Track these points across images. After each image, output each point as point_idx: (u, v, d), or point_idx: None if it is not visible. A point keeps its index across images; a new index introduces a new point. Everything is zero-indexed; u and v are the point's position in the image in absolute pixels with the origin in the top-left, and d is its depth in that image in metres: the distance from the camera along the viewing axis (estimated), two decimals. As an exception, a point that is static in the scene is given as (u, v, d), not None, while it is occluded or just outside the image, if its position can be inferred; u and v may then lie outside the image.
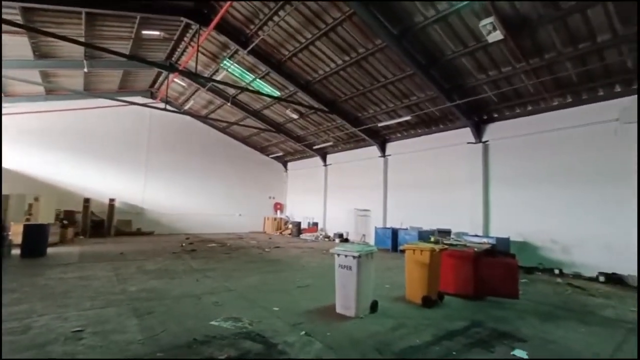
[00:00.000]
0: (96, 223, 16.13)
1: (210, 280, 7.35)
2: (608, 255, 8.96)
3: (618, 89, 9.15)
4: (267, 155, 23.89)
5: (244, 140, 22.64)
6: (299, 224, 20.36)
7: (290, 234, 20.27)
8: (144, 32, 11.60)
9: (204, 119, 20.23)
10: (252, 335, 4.24)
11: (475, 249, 6.82)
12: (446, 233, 11.47)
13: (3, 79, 12.51)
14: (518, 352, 4.03)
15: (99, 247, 12.35)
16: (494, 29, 7.68)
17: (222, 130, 21.75)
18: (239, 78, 14.39)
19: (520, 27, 8.07)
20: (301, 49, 11.20)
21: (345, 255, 5.26)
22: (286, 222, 22.53)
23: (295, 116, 16.32)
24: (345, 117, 15.00)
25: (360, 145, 17.84)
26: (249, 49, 11.54)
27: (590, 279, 8.92)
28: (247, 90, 13.76)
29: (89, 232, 15.53)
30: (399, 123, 14.29)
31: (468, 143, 12.55)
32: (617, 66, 8.56)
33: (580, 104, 9.90)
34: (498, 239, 10.16)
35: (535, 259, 10.26)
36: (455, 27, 8.66)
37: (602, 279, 8.69)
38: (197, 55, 11.58)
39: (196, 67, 11.92)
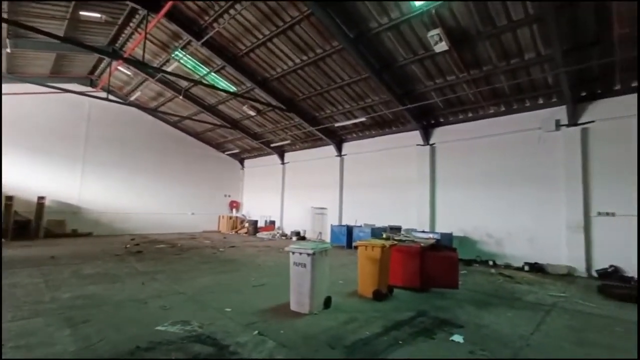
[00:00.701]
0: (21, 224, 14.36)
1: (158, 284, 6.98)
2: (531, 247, 10.15)
3: (541, 101, 10.35)
4: (223, 152, 23.15)
5: (198, 136, 21.69)
6: (255, 222, 20.05)
7: (246, 233, 19.88)
8: (82, 12, 10.58)
9: (152, 111, 19.00)
10: (202, 338, 4.13)
11: (422, 244, 7.24)
12: (397, 229, 12.05)
13: None
14: (456, 337, 4.39)
15: (25, 250, 11.02)
16: (440, 40, 8.24)
17: (174, 124, 20.62)
18: (192, 70, 13.76)
19: (462, 40, 8.75)
20: (259, 45, 11.02)
21: (300, 253, 5.32)
22: (242, 221, 22.05)
23: (252, 113, 16.01)
24: (303, 116, 15.06)
25: (317, 144, 18.02)
26: (203, 40, 11.08)
27: (518, 269, 9.98)
28: (201, 83, 13.21)
29: (10, 234, 13.78)
30: (354, 124, 14.69)
31: (417, 145, 13.32)
32: (540, 82, 9.66)
33: (511, 112, 11.01)
34: (442, 235, 10.95)
35: (473, 252, 11.23)
36: (407, 35, 9.12)
37: (526, 268, 9.79)
38: (144, 43, 10.85)
39: (143, 56, 11.15)
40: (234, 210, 23.28)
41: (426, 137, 13.08)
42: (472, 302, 6.18)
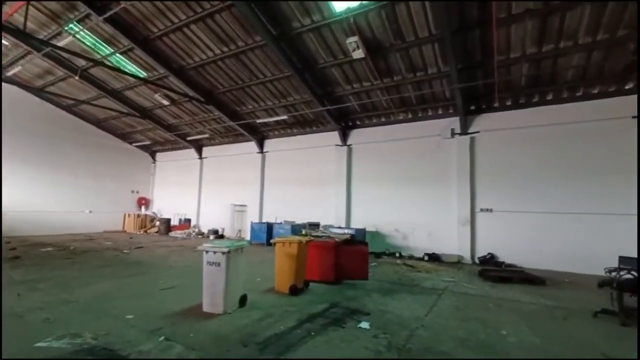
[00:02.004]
0: None
1: (40, 293, 5.95)
2: (430, 240, 11.60)
3: (440, 111, 11.88)
4: (130, 143, 20.72)
5: (99, 124, 18.98)
6: (168, 220, 18.48)
7: (157, 232, 18.19)
8: None
9: (38, 91, 15.93)
10: (96, 350, 3.69)
11: (337, 240, 7.64)
12: (315, 226, 12.46)
13: None
14: (363, 324, 4.73)
15: None
16: (358, 47, 8.79)
17: (68, 108, 17.65)
18: (91, 48, 11.98)
19: (377, 50, 9.49)
20: (174, 29, 10.17)
21: (214, 252, 5.12)
22: (153, 219, 20.10)
23: (166, 102, 14.69)
24: (223, 110, 14.43)
25: (238, 140, 17.46)
26: (106, 16, 9.73)
27: (419, 259, 11.24)
28: (104, 65, 11.61)
29: None
30: (276, 121, 14.66)
31: (336, 145, 13.99)
32: (440, 94, 11.08)
33: (416, 120, 12.37)
34: (357, 230, 11.72)
35: (383, 245, 12.29)
36: (327, 39, 9.48)
37: (426, 258, 11.13)
38: (27, 9, 9.07)
39: (25, 24, 9.32)
40: (142, 207, 21.07)
41: (344, 138, 13.82)
42: (379, 291, 6.74)
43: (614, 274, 5.46)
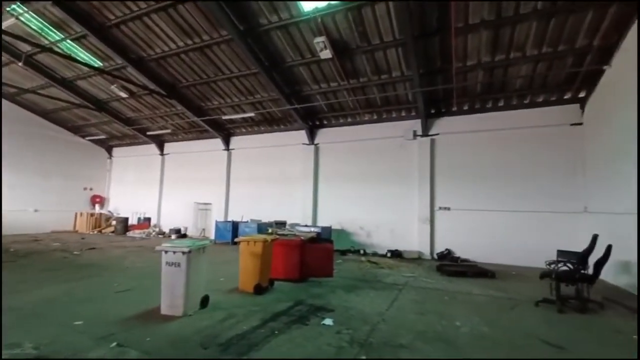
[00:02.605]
0: None
1: (-26, 301, 5.33)
2: (393, 237, 11.97)
3: (403, 113, 12.29)
4: (83, 137, 19.24)
5: (47, 115, 17.41)
6: (125, 220, 17.40)
7: (113, 232, 17.06)
8: None
9: (-26, 78, 14.28)
10: (38, 360, 3.37)
11: (302, 238, 7.64)
12: (282, 224, 12.36)
13: None
14: (327, 321, 4.74)
15: None
16: (325, 47, 8.83)
17: (10, 98, 15.99)
18: (37, 32, 10.94)
19: (344, 52, 9.59)
20: (132, 17, 9.57)
21: (174, 252, 4.89)
22: (109, 219, 18.82)
23: (124, 95, 13.79)
24: (187, 105, 13.84)
25: (203, 136, 16.84)
26: (55, -1, 8.96)
27: (382, 256, 11.56)
28: (52, 51, 10.66)
29: None
30: (243, 118, 14.34)
31: (303, 144, 13.97)
32: (403, 97, 11.45)
33: (381, 121, 12.69)
34: (323, 228, 11.80)
35: (349, 243, 12.49)
36: (295, 38, 9.42)
37: (389, 254, 11.47)
38: (-40, -14, 8.09)
39: (-42, 3, 8.31)
40: (97, 206, 19.68)
41: (311, 137, 13.84)
42: (343, 288, 6.80)
43: (553, 266, 5.94)
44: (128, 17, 9.54)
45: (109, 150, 20.65)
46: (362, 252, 11.99)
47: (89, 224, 18.01)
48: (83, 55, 11.79)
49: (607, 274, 7.00)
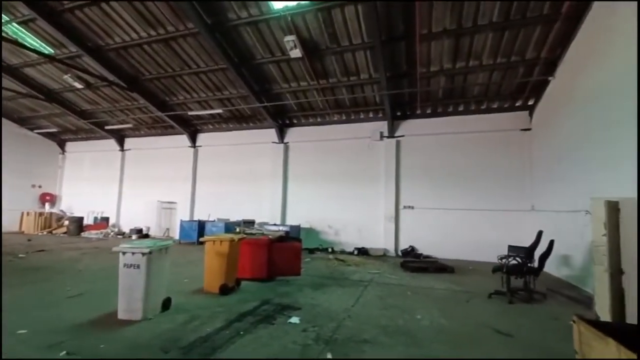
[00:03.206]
0: None
1: None
2: (360, 235, 12.20)
3: (371, 115, 12.55)
4: (32, 129, 17.61)
5: (-12, 105, 15.71)
6: (80, 219, 16.15)
7: (66, 233, 15.77)
8: None
9: None
10: (-28, 375, 3.01)
11: (270, 236, 7.52)
12: (250, 223, 12.14)
13: None
14: (293, 319, 4.71)
15: None
16: (295, 46, 8.76)
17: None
18: (-23, 14, 9.82)
19: (314, 52, 9.58)
20: (89, 3, 8.88)
21: (133, 253, 4.59)
22: (60, 218, 17.37)
23: (79, 85, 12.78)
24: (150, 99, 13.13)
25: (168, 132, 16.06)
26: (-1, -22, 8.09)
27: (350, 253, 11.74)
28: (-6, 35, 9.61)
29: None
30: (211, 115, 13.88)
31: (273, 142, 13.80)
32: (371, 99, 11.68)
33: (350, 122, 12.88)
34: (292, 227, 11.75)
35: (317, 241, 12.54)
36: (265, 35, 9.26)
37: (356, 252, 11.67)
38: None
39: None
40: (47, 205, 18.11)
41: (281, 135, 13.70)
42: (311, 286, 6.80)
43: (504, 260, 6.34)
44: (84, 2, 8.84)
45: (61, 144, 19.07)
46: (330, 250, 12.09)
47: (37, 224, 16.50)
48: (32, 40, 10.77)
49: (551, 267, 7.61)
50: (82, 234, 15.61)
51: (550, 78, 8.95)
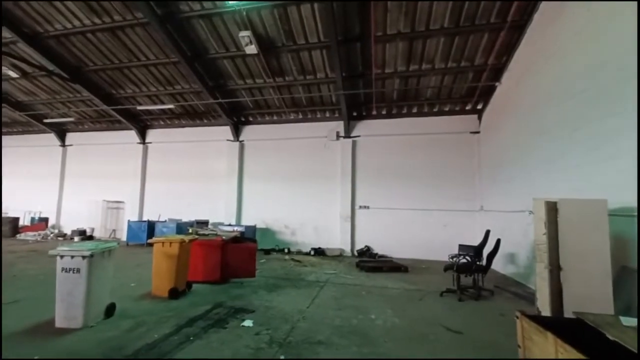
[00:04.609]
0: None
1: None
2: (316, 235, 12.53)
3: (328, 115, 12.90)
4: (-47, 120, 16.00)
5: None
6: (15, 220, 15.02)
7: (-3, 235, 14.59)
8: None
9: None
10: None
11: (224, 237, 7.51)
12: (204, 224, 12.04)
13: None
14: (246, 323, 4.78)
15: None
16: (251, 42, 8.86)
17: None
18: None
19: (269, 49, 9.73)
20: (22, -15, 8.35)
21: (72, 257, 4.51)
22: (-9, 220, 16.00)
23: (14, 74, 11.86)
24: (95, 91, 12.52)
25: (115, 127, 15.37)
26: None
27: (306, 254, 12.00)
28: None
29: None
30: (162, 110, 13.51)
31: (228, 140, 13.72)
32: (328, 99, 12.03)
33: (306, 121, 13.12)
34: (247, 227, 11.81)
35: (273, 241, 12.72)
36: (219, 29, 9.25)
37: (312, 252, 11.97)
38: None
39: None
40: (-28, 205, 16.57)
41: (237, 133, 13.66)
42: (265, 288, 6.89)
43: (454, 259, 6.74)
44: (16, -16, 8.30)
45: (-8, 138, 17.50)
46: (286, 250, 12.29)
47: (-40, 226, 15.09)
48: (-49, 22, 9.84)
49: (498, 265, 8.33)
50: (18, 235, 14.56)
51: (497, 84, 9.81)
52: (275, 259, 10.72)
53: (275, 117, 13.42)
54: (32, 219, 15.95)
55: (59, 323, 4.51)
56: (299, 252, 12.24)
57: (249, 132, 13.72)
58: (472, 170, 11.45)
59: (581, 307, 3.52)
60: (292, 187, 12.99)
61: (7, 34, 9.93)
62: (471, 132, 11.56)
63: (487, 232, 7.44)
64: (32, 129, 16.60)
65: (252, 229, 11.93)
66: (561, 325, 2.65)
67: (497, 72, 9.70)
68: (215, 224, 11.92)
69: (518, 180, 8.24)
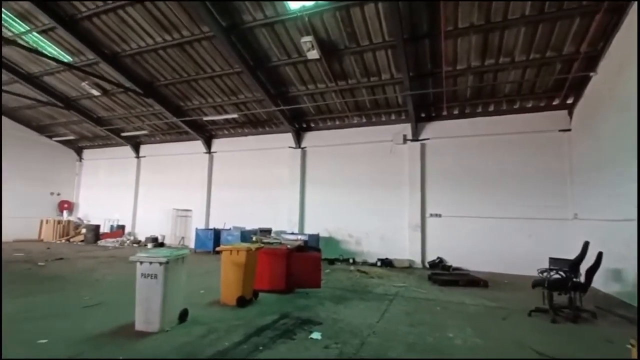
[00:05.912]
0: None
1: None
2: (383, 245, 12.03)
3: (393, 117, 12.44)
4: (50, 137, 18.59)
5: (11, 114, 16.73)
6: (96, 227, 16.82)
7: (83, 241, 16.45)
8: None
9: None
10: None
11: (288, 246, 7.52)
12: (267, 232, 12.24)
13: None
14: (315, 335, 4.66)
15: None
16: (313, 47, 8.85)
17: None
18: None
19: (331, 52, 9.65)
20: (106, 10, 9.33)
21: (150, 263, 4.71)
22: (78, 226, 18.15)
23: (96, 92, 13.41)
24: (165, 105, 13.59)
25: (182, 138, 16.55)
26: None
27: (372, 264, 11.59)
28: (17, 44, 10.25)
29: None
30: (226, 120, 14.18)
31: (290, 147, 13.91)
32: (393, 101, 11.60)
33: (370, 125, 12.81)
34: (310, 236, 11.76)
35: (337, 251, 12.47)
36: (281, 36, 9.42)
37: (379, 263, 11.51)
38: None
39: None
40: (65, 212, 18.97)
41: (298, 140, 13.80)
42: (332, 299, 6.73)
43: (545, 274, 6.05)
44: (101, 9, 9.30)
45: (78, 152, 20.00)
46: (351, 260, 11.98)
47: (56, 232, 17.31)
48: (51, 49, 11.41)
49: (598, 282, 7.21)
50: (99, 242, 16.24)
51: (591, 74, 8.60)
52: (340, 270, 10.49)
53: (337, 122, 13.33)
54: (111, 226, 17.71)
55: (138, 326, 4.69)
56: (365, 263, 11.86)
57: (311, 138, 13.80)
58: (562, 173, 10.13)
59: None
60: (356, 194, 12.70)
61: (90, 55, 11.17)
62: (560, 130, 10.26)
63: (586, 244, 6.47)
64: (110, 143, 18.60)
65: (316, 238, 11.86)
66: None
67: (591, 61, 8.50)
68: (278, 232, 12.06)
69: (625, 184, 6.99)
